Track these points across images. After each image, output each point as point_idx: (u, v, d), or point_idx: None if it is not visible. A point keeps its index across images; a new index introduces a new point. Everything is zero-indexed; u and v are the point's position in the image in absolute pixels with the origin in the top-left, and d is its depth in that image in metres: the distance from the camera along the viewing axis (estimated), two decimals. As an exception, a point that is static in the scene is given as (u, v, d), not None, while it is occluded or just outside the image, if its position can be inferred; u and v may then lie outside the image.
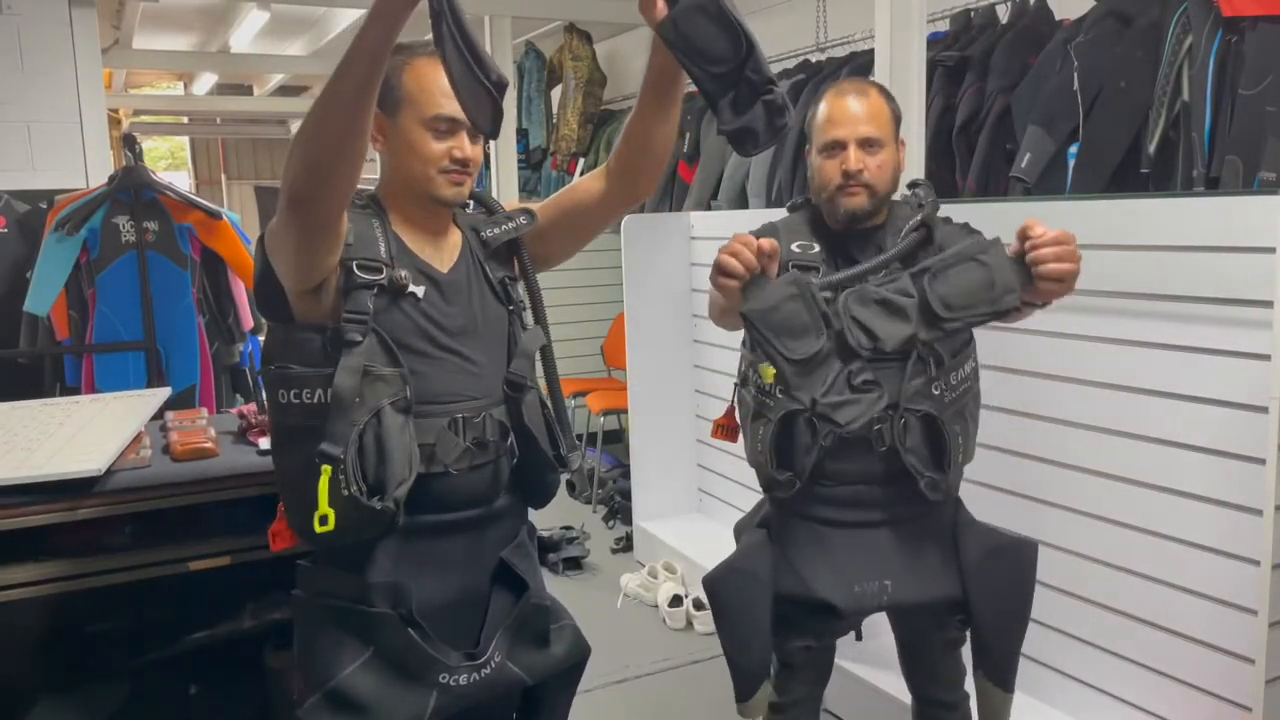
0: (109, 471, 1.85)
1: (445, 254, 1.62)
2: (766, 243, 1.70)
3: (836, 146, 1.83)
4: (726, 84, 1.30)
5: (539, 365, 1.70)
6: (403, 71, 1.52)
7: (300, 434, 1.47)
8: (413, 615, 1.52)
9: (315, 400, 1.46)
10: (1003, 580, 1.89)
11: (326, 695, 1.51)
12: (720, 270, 1.69)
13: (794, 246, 1.88)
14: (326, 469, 1.43)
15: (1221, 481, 2.02)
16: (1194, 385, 2.06)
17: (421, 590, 1.54)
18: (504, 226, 1.68)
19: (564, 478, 1.73)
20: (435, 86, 1.50)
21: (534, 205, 1.74)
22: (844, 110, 1.83)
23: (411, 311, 1.53)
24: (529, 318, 1.70)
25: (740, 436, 2.00)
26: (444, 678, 1.53)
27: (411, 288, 1.52)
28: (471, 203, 1.71)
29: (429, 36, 1.35)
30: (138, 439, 2.03)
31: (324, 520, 1.44)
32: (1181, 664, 2.13)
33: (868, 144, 1.81)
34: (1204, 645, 2.08)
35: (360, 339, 1.46)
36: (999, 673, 1.89)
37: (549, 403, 1.72)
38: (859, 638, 2.10)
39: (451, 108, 1.48)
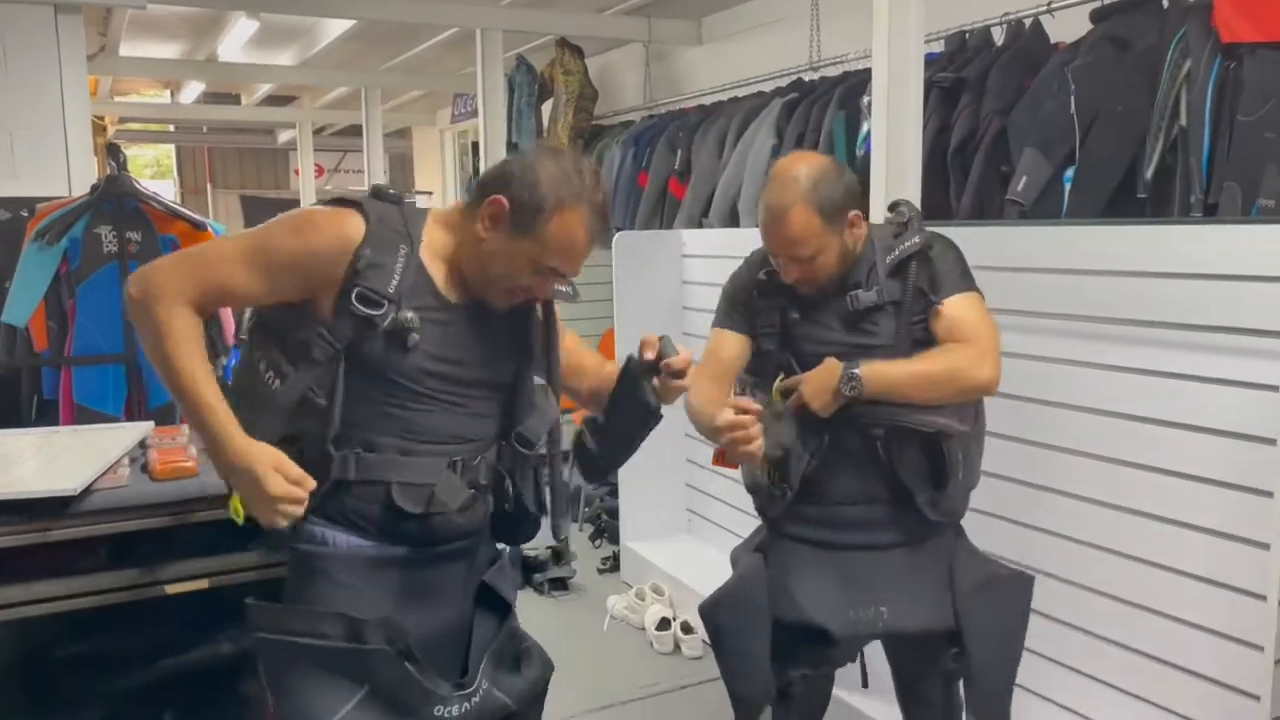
0: (86, 492, 1.79)
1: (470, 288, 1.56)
2: (750, 409, 1.72)
3: (774, 256, 1.84)
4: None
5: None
6: (560, 206, 1.46)
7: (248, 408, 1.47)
8: (410, 649, 1.48)
9: (271, 384, 1.47)
10: (996, 612, 1.86)
11: None
12: (742, 454, 1.74)
13: (761, 274, 1.92)
14: None
15: (1228, 514, 1.99)
16: (1199, 415, 2.03)
17: (411, 621, 1.51)
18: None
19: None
20: (571, 244, 1.48)
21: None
22: (769, 232, 1.81)
23: (417, 351, 1.47)
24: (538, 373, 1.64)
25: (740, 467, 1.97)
26: (439, 710, 1.50)
27: (405, 332, 1.45)
28: None
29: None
30: (117, 466, 1.96)
31: (238, 512, 1.46)
32: (1189, 702, 2.10)
33: (798, 258, 1.80)
34: (1209, 681, 2.04)
35: (321, 361, 1.44)
36: (988, 712, 1.86)
37: (550, 469, 1.67)
38: (865, 684, 2.06)
39: (566, 267, 1.50)
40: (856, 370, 1.74)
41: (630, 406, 1.62)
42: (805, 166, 1.79)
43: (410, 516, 1.50)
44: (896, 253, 1.83)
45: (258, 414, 1.46)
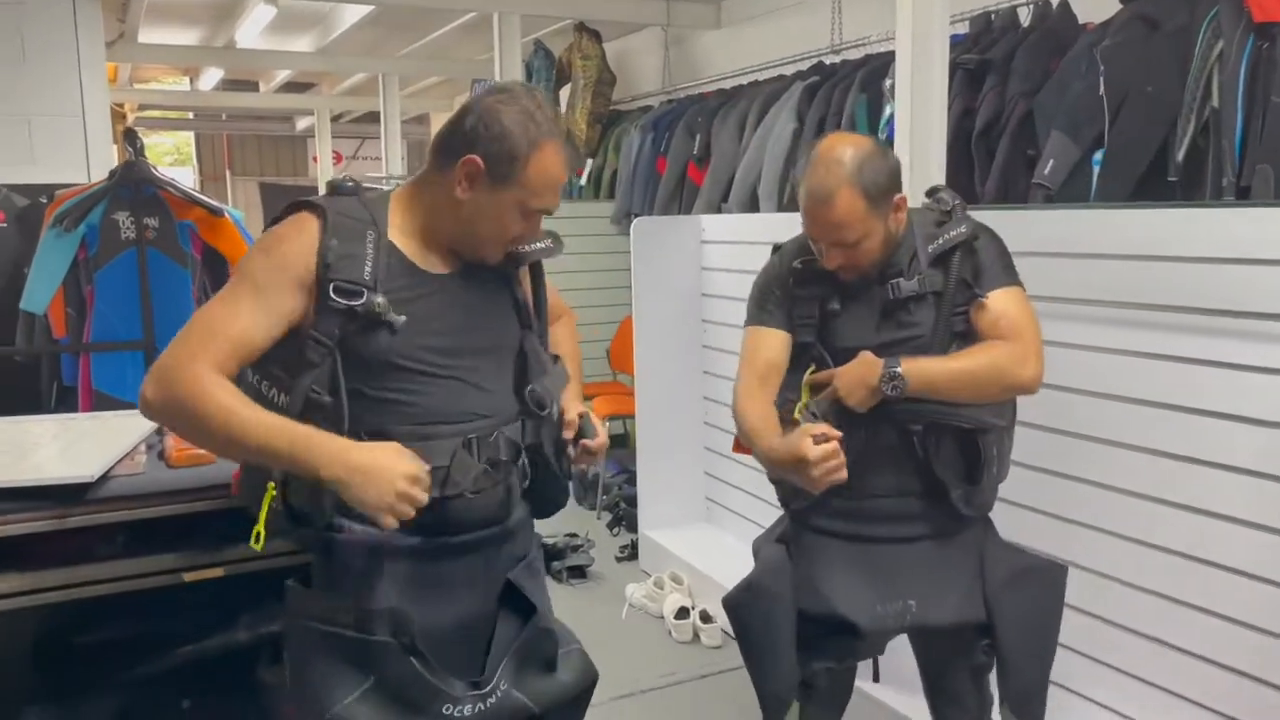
0: (103, 478, 1.79)
1: (453, 257, 1.54)
2: (832, 436, 1.67)
3: (818, 245, 1.79)
4: None
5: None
6: (530, 147, 1.44)
7: None
8: (414, 644, 1.46)
9: (276, 401, 1.44)
10: (1029, 603, 1.83)
11: None
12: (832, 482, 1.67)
13: (796, 264, 1.87)
14: (271, 488, 1.43)
15: (1270, 507, 1.94)
16: (1234, 404, 1.99)
17: (426, 615, 1.48)
18: (534, 245, 1.60)
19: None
20: (553, 179, 1.48)
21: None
22: (812, 217, 1.75)
23: (403, 334, 1.45)
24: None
25: None
26: (447, 709, 1.47)
27: (389, 317, 1.43)
28: None
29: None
30: (134, 453, 1.96)
31: (257, 538, 1.44)
32: (1230, 699, 2.06)
33: (843, 243, 1.75)
34: (1251, 678, 2.00)
35: (317, 361, 1.42)
36: (1024, 705, 1.82)
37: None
38: (876, 678, 2.03)
39: (550, 202, 1.49)
40: (898, 369, 1.69)
41: (547, 479, 1.65)
42: (850, 148, 1.73)
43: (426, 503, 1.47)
44: (940, 241, 1.77)
45: None
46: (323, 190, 1.60)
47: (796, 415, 1.80)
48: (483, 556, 1.57)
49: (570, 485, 1.71)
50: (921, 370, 1.71)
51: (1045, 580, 1.84)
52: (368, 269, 1.43)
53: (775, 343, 1.86)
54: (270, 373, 1.46)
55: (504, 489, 1.56)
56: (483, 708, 1.49)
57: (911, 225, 1.81)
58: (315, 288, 1.42)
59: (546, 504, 1.67)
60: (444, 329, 1.49)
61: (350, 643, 1.45)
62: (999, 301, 1.76)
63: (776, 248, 1.96)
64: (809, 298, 1.84)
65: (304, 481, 1.40)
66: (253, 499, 1.50)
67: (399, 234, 1.49)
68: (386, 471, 1.35)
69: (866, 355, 1.74)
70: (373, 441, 1.40)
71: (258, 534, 1.45)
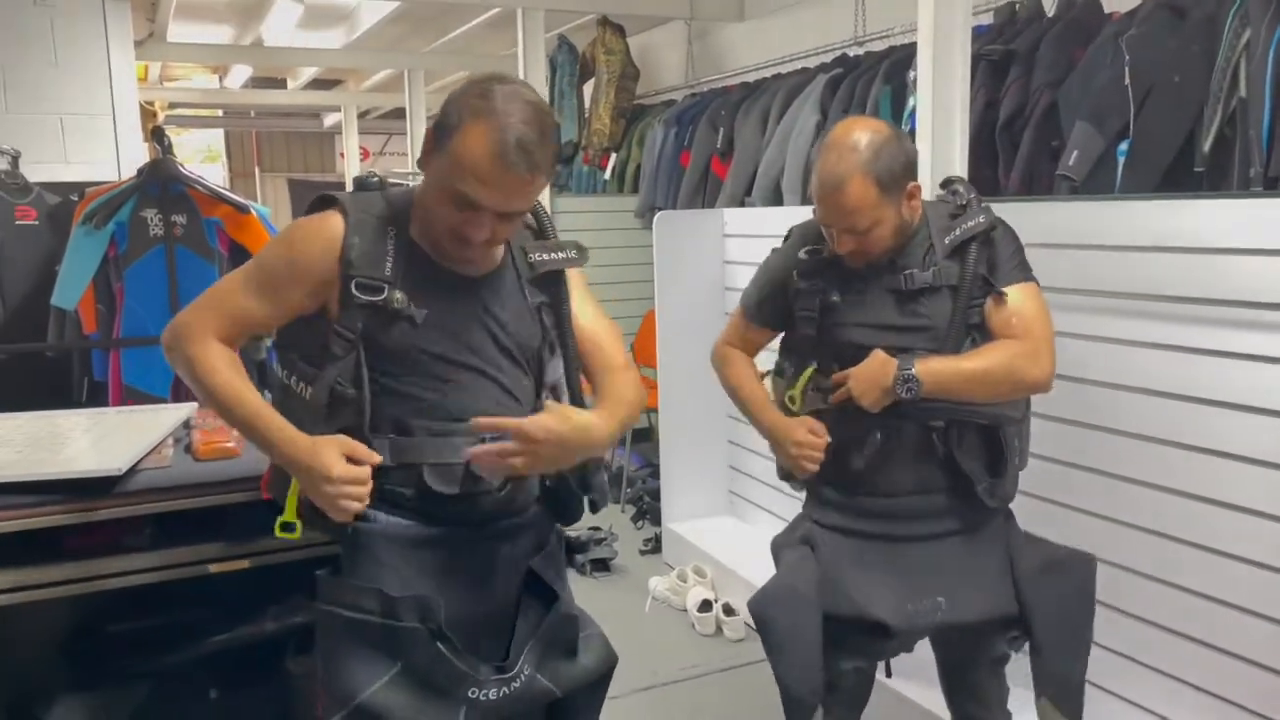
0: (131, 471, 1.82)
1: (484, 258, 1.54)
2: (823, 439, 1.81)
3: (829, 231, 1.79)
4: None
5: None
6: (463, 121, 1.39)
7: (294, 422, 1.48)
8: (442, 629, 1.48)
9: (302, 394, 1.50)
10: (1062, 594, 1.82)
11: (352, 713, 1.46)
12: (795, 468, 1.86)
13: (802, 254, 1.86)
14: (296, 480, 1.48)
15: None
16: (1263, 396, 1.96)
17: (451, 602, 1.50)
18: (554, 255, 1.60)
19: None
20: (473, 162, 1.38)
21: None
22: (824, 201, 1.74)
23: (424, 328, 1.48)
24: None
25: None
26: (473, 692, 1.49)
27: (409, 311, 1.46)
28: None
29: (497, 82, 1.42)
30: (161, 446, 1.99)
31: (288, 527, 1.52)
32: (1238, 688, 2.04)
33: (854, 229, 1.74)
34: (1261, 667, 1.98)
35: (341, 354, 1.46)
36: (1067, 698, 1.81)
37: None
38: (889, 674, 2.03)
39: (475, 193, 1.39)
40: (912, 371, 1.69)
41: (560, 486, 1.66)
42: (865, 134, 1.72)
43: (447, 497, 1.50)
44: (957, 233, 1.77)
45: (299, 425, 1.47)
46: (350, 187, 1.63)
47: (796, 393, 1.82)
48: (505, 545, 1.59)
49: (588, 500, 1.68)
50: (934, 372, 1.70)
51: (1076, 570, 1.84)
52: (388, 266, 1.46)
53: (757, 337, 2.01)
54: (296, 366, 1.51)
55: (525, 483, 1.58)
56: (507, 691, 1.51)
57: (926, 216, 1.80)
58: (338, 283, 1.46)
59: (561, 510, 1.68)
60: (464, 326, 1.51)
61: (377, 629, 1.47)
62: (1013, 298, 1.75)
63: (789, 235, 1.96)
64: (811, 290, 1.83)
65: None
66: (280, 491, 1.54)
67: (420, 233, 1.51)
68: (317, 473, 1.42)
69: (879, 355, 1.73)
70: (329, 436, 1.44)
71: (285, 523, 1.51)
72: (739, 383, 2.01)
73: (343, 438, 1.45)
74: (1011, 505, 1.89)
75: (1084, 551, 1.87)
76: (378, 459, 1.46)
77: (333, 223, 1.48)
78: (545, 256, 1.59)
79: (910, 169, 1.76)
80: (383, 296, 1.45)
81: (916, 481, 1.81)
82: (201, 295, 1.56)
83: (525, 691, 1.54)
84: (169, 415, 2.22)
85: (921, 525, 1.82)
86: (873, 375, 1.73)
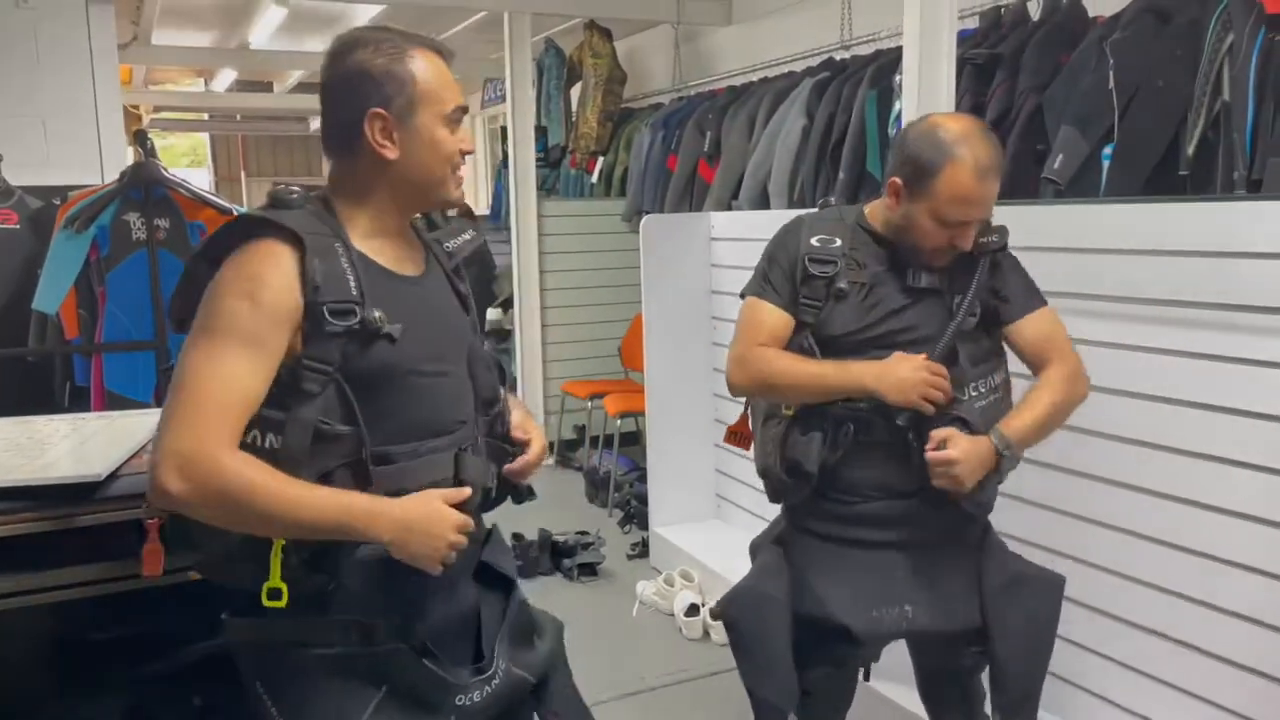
0: (112, 476, 1.80)
1: (412, 255, 1.50)
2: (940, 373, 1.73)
3: (958, 224, 1.72)
4: None
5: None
6: (408, 65, 1.39)
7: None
8: (425, 645, 1.45)
9: (269, 446, 1.32)
10: (1025, 612, 1.81)
11: None
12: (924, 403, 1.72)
13: (814, 240, 1.82)
14: (280, 542, 1.33)
15: (1275, 500, 1.93)
16: (1245, 399, 1.97)
17: (427, 615, 1.47)
18: (460, 240, 1.59)
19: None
20: (448, 77, 1.43)
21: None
22: (982, 194, 1.70)
23: (400, 343, 1.38)
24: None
25: (752, 445, 1.94)
26: (459, 699, 1.46)
27: (387, 328, 1.35)
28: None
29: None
30: (142, 451, 1.96)
31: (274, 594, 1.34)
32: (1238, 696, 2.04)
33: (981, 220, 1.76)
34: (1261, 675, 1.99)
35: (317, 391, 1.33)
36: (1015, 713, 1.81)
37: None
38: (867, 677, 2.02)
39: (460, 97, 1.44)
40: (1011, 447, 1.71)
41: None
42: (980, 124, 1.78)
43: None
44: (972, 250, 1.77)
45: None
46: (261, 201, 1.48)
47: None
48: (470, 547, 1.52)
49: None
50: (1022, 432, 1.73)
51: (1043, 590, 1.83)
52: (352, 283, 1.35)
53: (778, 320, 1.82)
54: (257, 419, 1.32)
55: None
56: (489, 690, 1.49)
57: None
58: (303, 316, 1.33)
59: (513, 490, 1.63)
60: (430, 334, 1.45)
61: (357, 659, 1.40)
62: (1044, 323, 1.80)
63: (796, 219, 1.93)
64: (820, 277, 1.79)
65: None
66: (223, 554, 1.40)
67: (361, 239, 1.41)
68: (437, 525, 1.35)
69: (971, 442, 1.70)
70: (411, 495, 1.36)
71: (272, 590, 1.34)
72: (790, 364, 1.79)
73: (431, 491, 1.37)
74: (1003, 509, 1.89)
75: (1054, 572, 1.87)
76: (467, 493, 1.40)
77: (280, 253, 1.33)
78: (457, 241, 1.59)
79: None
80: (359, 318, 1.34)
81: (888, 486, 1.80)
82: (181, 407, 1.29)
83: (505, 686, 1.52)
84: (151, 420, 2.19)
85: (891, 532, 1.80)
86: (979, 458, 1.70)
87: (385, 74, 1.38)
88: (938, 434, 1.69)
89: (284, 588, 1.34)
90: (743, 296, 1.90)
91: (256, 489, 1.26)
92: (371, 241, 1.43)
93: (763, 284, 1.85)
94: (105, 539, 1.82)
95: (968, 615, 1.80)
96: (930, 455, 1.69)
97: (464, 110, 1.46)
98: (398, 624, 1.43)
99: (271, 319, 1.31)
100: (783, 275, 1.82)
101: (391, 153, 1.40)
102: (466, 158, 1.48)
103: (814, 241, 1.81)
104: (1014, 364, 1.87)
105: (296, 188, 1.45)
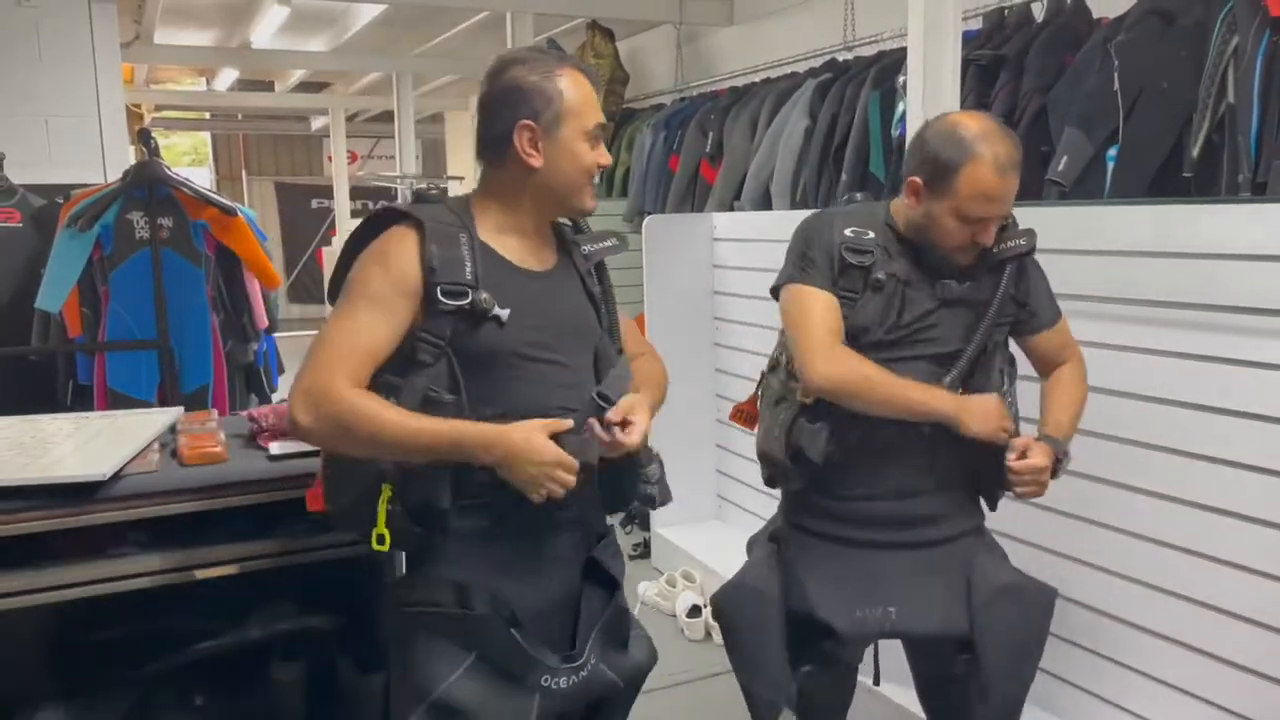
0: (116, 477, 1.80)
1: (545, 256, 1.63)
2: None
3: (980, 220, 1.71)
4: None
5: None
6: (556, 83, 1.53)
7: None
8: (515, 616, 1.51)
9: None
10: (1013, 623, 1.80)
11: (430, 708, 1.49)
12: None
13: (848, 231, 1.78)
14: (387, 489, 1.49)
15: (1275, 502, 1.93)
16: (1247, 400, 1.97)
17: (519, 593, 1.53)
18: (599, 245, 1.68)
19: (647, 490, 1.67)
20: (592, 97, 1.57)
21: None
22: (1003, 190, 1.69)
23: (509, 327, 1.51)
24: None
25: (757, 425, 1.93)
26: (545, 680, 1.52)
27: (495, 311, 1.50)
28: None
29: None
30: (146, 451, 1.96)
31: (380, 539, 1.50)
32: (1232, 694, 2.04)
33: (1003, 216, 1.75)
34: (1249, 672, 1.99)
35: (430, 362, 1.49)
36: None
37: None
38: (877, 681, 2.02)
39: (600, 116, 1.58)
40: (1065, 450, 1.76)
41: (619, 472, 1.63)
42: (997, 122, 1.76)
43: (519, 493, 1.49)
44: (1001, 248, 1.77)
45: None
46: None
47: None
48: (566, 536, 1.61)
49: (646, 494, 1.66)
50: (1069, 436, 1.79)
51: (1032, 602, 1.82)
52: (468, 269, 1.50)
53: (830, 304, 1.76)
54: (379, 380, 1.49)
55: (586, 475, 1.56)
56: (575, 680, 1.55)
57: None
58: (422, 293, 1.49)
59: (616, 497, 1.67)
60: (543, 323, 1.56)
61: (451, 620, 1.51)
62: (1064, 330, 1.88)
63: (825, 212, 1.92)
64: (858, 267, 1.75)
65: (419, 478, 1.48)
66: (350, 506, 1.55)
67: (489, 233, 1.56)
68: (536, 454, 1.43)
69: (1041, 445, 1.74)
70: (517, 424, 1.45)
71: (379, 535, 1.50)
72: (878, 374, 1.72)
73: (535, 421, 1.46)
74: (1001, 510, 1.90)
75: (1046, 585, 1.86)
76: (568, 424, 1.49)
77: (407, 236, 1.52)
78: (595, 247, 1.68)
79: None
80: (469, 300, 1.48)
81: (887, 486, 1.79)
82: (314, 353, 1.49)
83: (592, 680, 1.58)
84: (155, 419, 2.19)
85: (886, 533, 1.80)
86: (1039, 476, 1.73)
87: (536, 90, 1.53)
88: (1020, 443, 1.73)
89: (388, 534, 1.49)
90: (776, 290, 1.84)
91: (374, 415, 1.43)
92: (501, 236, 1.57)
93: (803, 269, 1.79)
94: (110, 538, 1.82)
95: (953, 620, 1.79)
96: (1019, 465, 1.71)
97: (603, 127, 1.59)
98: (491, 591, 1.50)
99: (396, 287, 1.49)
100: (824, 261, 1.78)
101: (536, 161, 1.54)
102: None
103: (848, 232, 1.78)
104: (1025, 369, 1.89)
105: (436, 186, 1.58)
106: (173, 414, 2.27)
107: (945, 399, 1.73)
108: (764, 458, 1.88)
